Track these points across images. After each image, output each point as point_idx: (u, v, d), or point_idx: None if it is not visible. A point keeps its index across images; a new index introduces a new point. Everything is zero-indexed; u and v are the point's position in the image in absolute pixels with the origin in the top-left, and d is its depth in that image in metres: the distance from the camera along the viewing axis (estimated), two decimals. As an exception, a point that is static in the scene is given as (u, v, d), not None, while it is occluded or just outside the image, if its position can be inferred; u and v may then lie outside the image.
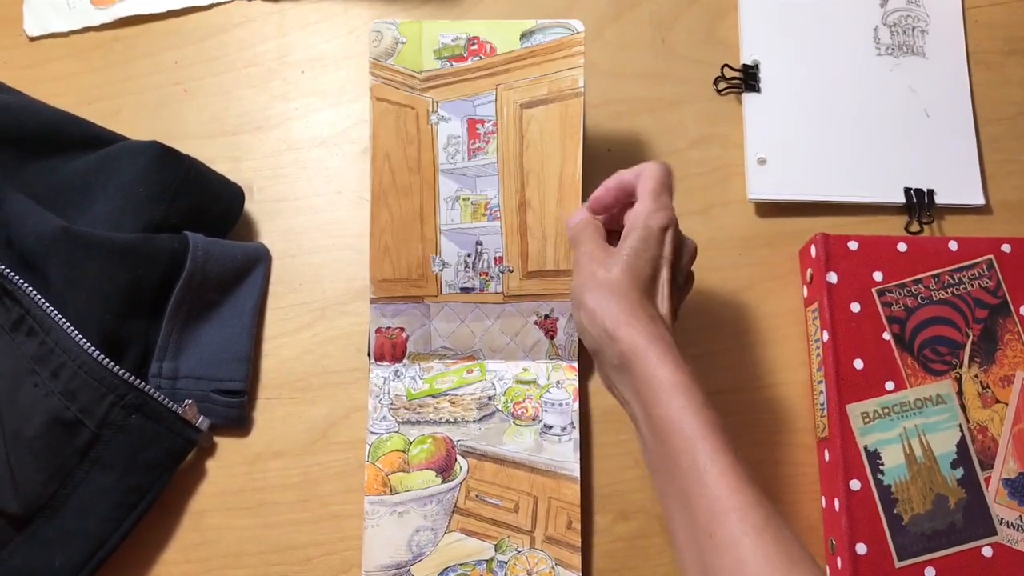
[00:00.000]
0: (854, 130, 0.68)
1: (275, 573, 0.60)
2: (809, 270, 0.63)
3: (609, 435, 0.62)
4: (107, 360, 0.57)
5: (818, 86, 0.69)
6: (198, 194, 0.62)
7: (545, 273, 0.63)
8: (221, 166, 0.65)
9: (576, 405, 0.61)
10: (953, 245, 0.63)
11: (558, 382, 0.62)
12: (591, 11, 0.71)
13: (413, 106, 0.61)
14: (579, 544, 0.59)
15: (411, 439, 0.61)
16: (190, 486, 0.61)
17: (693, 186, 0.68)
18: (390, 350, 0.62)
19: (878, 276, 0.62)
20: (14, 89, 0.66)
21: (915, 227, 0.66)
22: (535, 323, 0.63)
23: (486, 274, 0.62)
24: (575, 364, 0.63)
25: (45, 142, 0.62)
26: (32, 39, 0.71)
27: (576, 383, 0.62)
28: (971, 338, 0.61)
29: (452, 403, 0.61)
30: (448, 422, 0.61)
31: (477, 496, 0.60)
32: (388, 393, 0.61)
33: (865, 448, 0.59)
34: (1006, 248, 0.63)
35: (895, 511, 0.58)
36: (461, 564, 0.59)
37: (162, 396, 0.58)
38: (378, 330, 0.62)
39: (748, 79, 0.69)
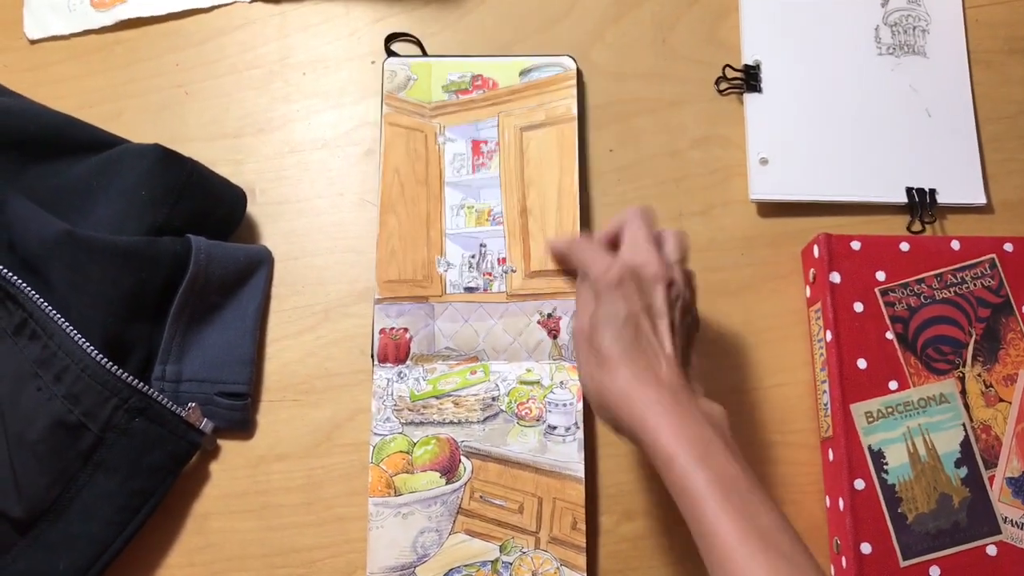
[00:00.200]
0: (855, 130, 0.68)
1: (279, 576, 0.60)
2: (812, 270, 0.64)
3: (613, 435, 0.62)
4: (110, 363, 0.56)
5: (819, 86, 0.69)
6: (200, 197, 0.62)
7: (547, 272, 0.64)
8: (223, 169, 0.65)
9: (580, 405, 0.61)
10: (955, 244, 0.63)
11: (562, 382, 0.62)
12: (592, 12, 0.71)
13: (422, 130, 0.67)
14: (584, 545, 0.59)
15: (415, 440, 0.61)
16: (194, 489, 0.61)
17: (694, 186, 0.68)
18: (394, 351, 0.62)
19: (881, 276, 0.62)
20: (15, 92, 0.66)
21: (917, 227, 0.66)
22: (538, 322, 0.63)
23: (490, 274, 0.63)
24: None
25: (47, 145, 0.62)
26: (32, 42, 0.71)
27: (579, 383, 0.62)
28: (974, 337, 0.61)
29: (456, 404, 0.61)
30: (452, 423, 0.61)
31: (481, 497, 0.60)
32: (392, 394, 0.61)
33: (869, 448, 0.59)
34: (1008, 247, 0.63)
35: (899, 510, 0.58)
36: (466, 565, 0.59)
37: (165, 399, 0.58)
38: (382, 331, 0.62)
39: (749, 79, 0.69)
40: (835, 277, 0.61)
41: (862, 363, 0.60)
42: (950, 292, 0.62)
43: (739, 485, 0.45)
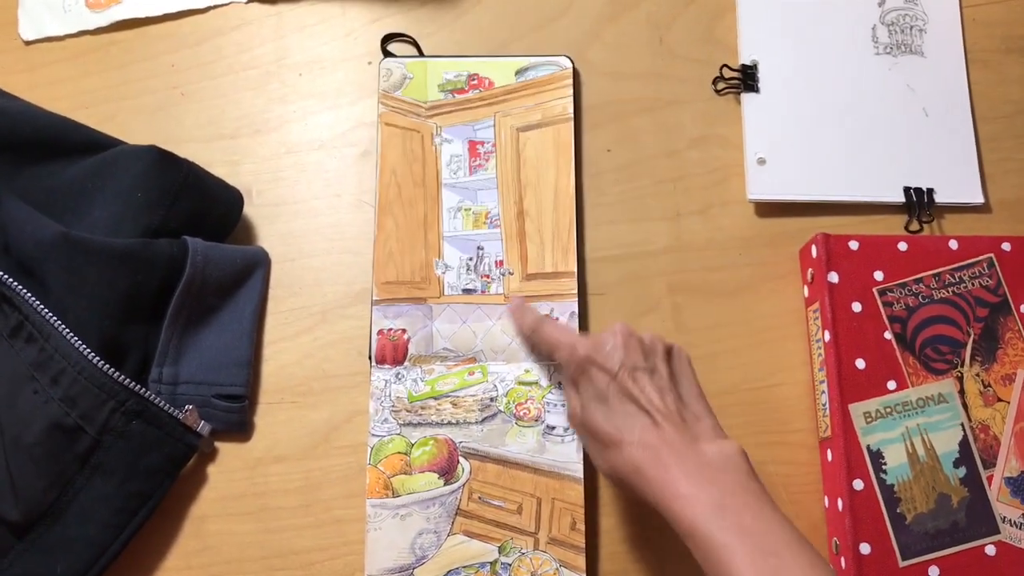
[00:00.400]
0: (853, 129, 0.68)
1: (278, 578, 0.60)
2: (810, 270, 0.64)
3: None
4: (107, 366, 0.56)
5: (817, 85, 0.69)
6: (197, 198, 0.62)
7: (544, 275, 0.64)
8: (219, 170, 0.65)
9: (578, 407, 0.61)
10: (953, 244, 0.63)
11: (560, 383, 0.62)
12: (589, 11, 0.71)
13: (419, 130, 0.67)
14: (583, 545, 0.59)
15: (413, 441, 0.61)
16: (191, 492, 0.61)
17: (692, 187, 0.68)
18: (391, 352, 0.62)
19: (879, 275, 0.62)
20: (9, 94, 0.65)
21: (915, 226, 0.66)
22: (535, 324, 0.63)
23: (487, 276, 0.63)
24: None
25: (42, 147, 0.62)
26: (27, 43, 0.71)
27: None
28: (972, 337, 0.61)
29: (454, 405, 0.61)
30: (450, 424, 0.61)
31: (480, 498, 0.60)
32: (389, 395, 0.61)
33: (868, 448, 0.59)
34: (1006, 247, 0.63)
35: (898, 510, 0.58)
36: (465, 567, 0.58)
37: (162, 402, 0.58)
38: (380, 332, 0.62)
39: (747, 79, 0.69)
40: (833, 277, 0.61)
41: (860, 363, 0.60)
42: (948, 292, 0.62)
43: (763, 541, 0.44)
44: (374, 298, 0.63)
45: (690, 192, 0.68)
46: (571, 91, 0.67)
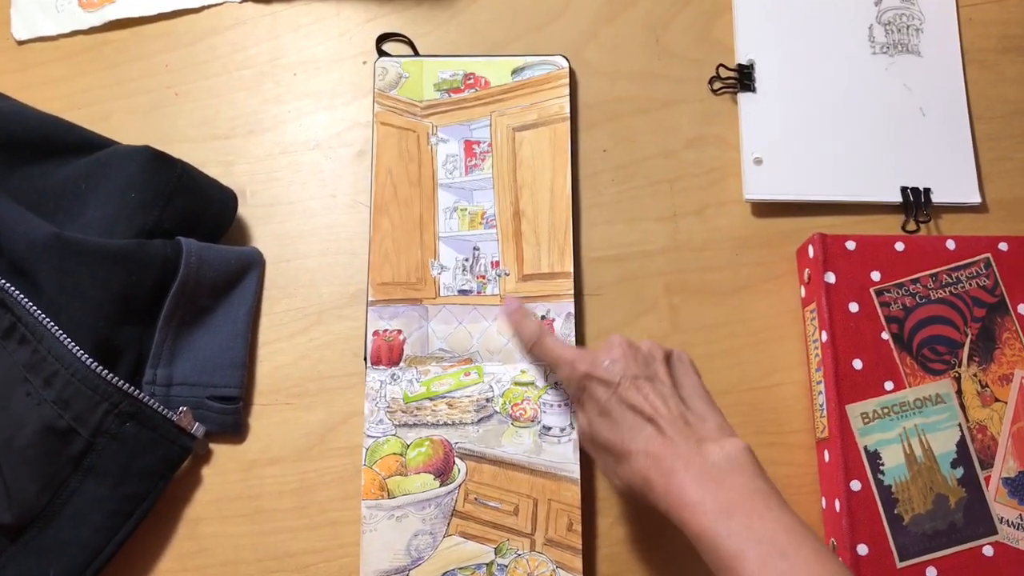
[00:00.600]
0: (850, 129, 0.68)
1: (273, 581, 0.60)
2: (807, 270, 0.63)
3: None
4: (100, 368, 0.56)
5: (813, 85, 0.69)
6: (191, 199, 0.61)
7: (540, 276, 0.64)
8: (213, 170, 0.65)
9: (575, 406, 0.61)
10: (950, 244, 0.63)
11: (556, 383, 0.62)
12: (586, 11, 0.71)
13: (414, 129, 0.67)
14: (580, 547, 0.58)
15: (408, 442, 0.60)
16: (186, 494, 0.61)
17: (689, 187, 0.68)
18: (387, 353, 0.62)
19: (876, 276, 0.62)
20: (2, 94, 0.65)
21: (912, 226, 0.66)
22: (532, 325, 0.63)
23: (483, 277, 0.63)
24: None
25: (35, 147, 0.61)
26: (20, 43, 0.70)
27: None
28: (969, 337, 0.61)
29: (450, 405, 0.61)
30: (446, 424, 0.61)
31: (476, 499, 0.60)
32: (385, 396, 0.61)
33: (865, 448, 0.58)
34: (1003, 246, 0.63)
35: (896, 511, 0.57)
36: (461, 568, 0.58)
37: (156, 403, 0.58)
38: (375, 332, 0.62)
39: (743, 79, 0.69)
40: (830, 277, 0.61)
41: (858, 363, 0.60)
42: (945, 292, 0.62)
43: (772, 545, 0.44)
44: (370, 299, 0.63)
45: (687, 192, 0.68)
46: (567, 91, 0.67)
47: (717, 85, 0.69)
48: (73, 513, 0.56)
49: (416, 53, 0.69)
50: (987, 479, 0.59)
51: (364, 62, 0.70)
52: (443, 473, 0.60)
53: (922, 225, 0.66)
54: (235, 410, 0.61)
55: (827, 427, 0.60)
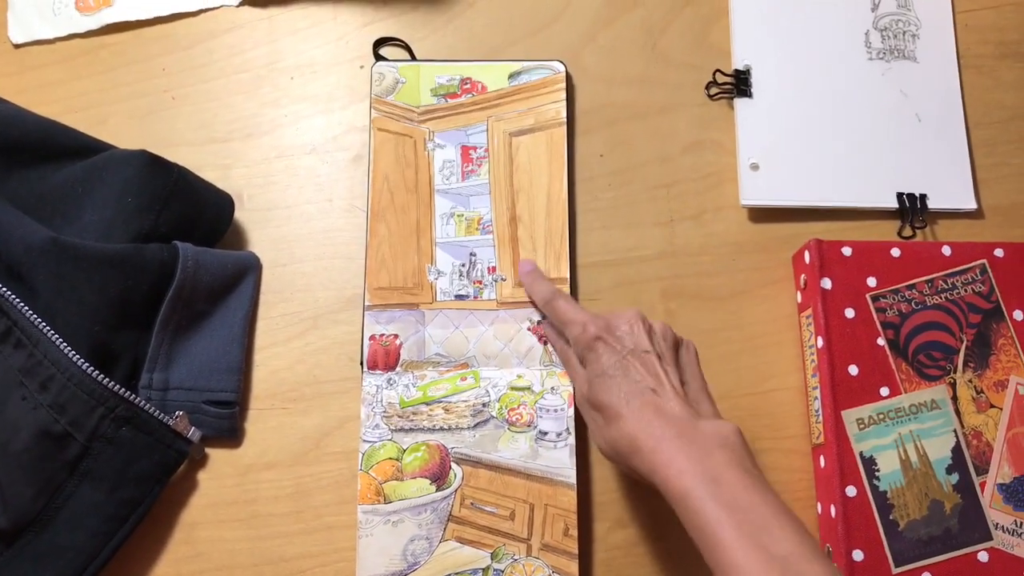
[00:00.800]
0: (846, 135, 0.68)
1: (269, 585, 0.59)
2: (803, 276, 0.63)
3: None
4: (96, 372, 0.56)
5: (810, 91, 0.69)
6: (187, 203, 0.61)
7: (537, 279, 0.63)
8: (210, 174, 0.65)
9: (571, 411, 0.61)
10: (946, 250, 0.63)
11: (553, 388, 0.62)
12: (583, 16, 0.71)
13: (411, 135, 0.67)
14: (576, 551, 0.58)
15: (405, 447, 0.60)
16: (181, 498, 0.61)
17: (685, 192, 0.68)
18: (383, 358, 0.62)
19: (872, 281, 0.62)
20: (-1, 97, 0.65)
21: (908, 232, 0.66)
22: (528, 329, 0.63)
23: (480, 282, 0.63)
24: (569, 371, 0.63)
25: (31, 151, 0.61)
26: (17, 46, 0.70)
27: (571, 389, 0.61)
28: (965, 343, 0.61)
29: (446, 410, 0.61)
30: (442, 429, 0.61)
31: (472, 504, 0.60)
32: (381, 401, 0.61)
33: (861, 454, 0.58)
34: (999, 253, 0.63)
35: (891, 517, 0.58)
36: (457, 573, 0.58)
37: (152, 408, 0.58)
38: (372, 337, 0.62)
39: (740, 84, 0.69)
40: (826, 283, 0.61)
41: (853, 369, 0.60)
42: (941, 298, 0.62)
43: (754, 516, 0.44)
44: (366, 303, 0.63)
45: (683, 197, 0.68)
46: (564, 96, 0.67)
47: (714, 90, 0.69)
48: (69, 518, 0.56)
49: (413, 57, 0.69)
50: (982, 485, 0.59)
51: (361, 66, 0.70)
52: (439, 478, 0.60)
53: (918, 231, 0.66)
54: (231, 415, 0.61)
55: (823, 433, 0.60)
